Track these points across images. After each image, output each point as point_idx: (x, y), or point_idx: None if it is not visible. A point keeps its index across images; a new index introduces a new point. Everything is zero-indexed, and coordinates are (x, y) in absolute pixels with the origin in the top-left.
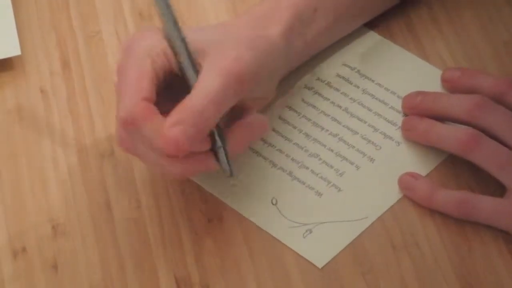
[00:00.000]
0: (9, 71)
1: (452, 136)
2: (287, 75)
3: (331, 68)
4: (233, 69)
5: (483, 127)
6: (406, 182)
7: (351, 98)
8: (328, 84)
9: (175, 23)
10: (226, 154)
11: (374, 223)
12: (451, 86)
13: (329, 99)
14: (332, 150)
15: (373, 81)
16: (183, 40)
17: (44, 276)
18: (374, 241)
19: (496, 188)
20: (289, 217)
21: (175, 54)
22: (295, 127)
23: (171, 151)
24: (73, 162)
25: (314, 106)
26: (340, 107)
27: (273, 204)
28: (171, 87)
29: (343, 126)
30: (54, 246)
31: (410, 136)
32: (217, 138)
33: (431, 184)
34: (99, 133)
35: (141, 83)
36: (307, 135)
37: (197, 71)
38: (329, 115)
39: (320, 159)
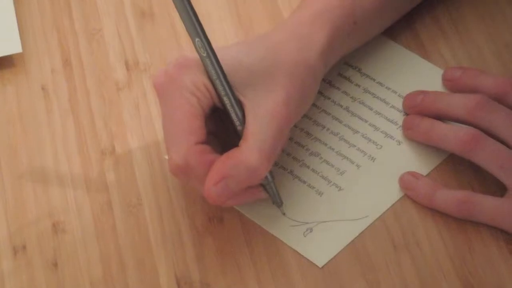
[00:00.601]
0: (10, 68)
1: (453, 135)
2: None
3: (332, 67)
4: (284, 113)
5: (484, 126)
6: (407, 182)
7: (352, 97)
8: (329, 83)
9: (217, 64)
10: (274, 186)
11: (374, 222)
12: (453, 86)
13: (330, 98)
14: (333, 149)
15: (374, 80)
16: (225, 80)
17: (44, 273)
18: (374, 241)
19: (497, 187)
20: (289, 216)
21: (218, 92)
22: (296, 126)
23: (209, 201)
24: (74, 160)
25: (315, 105)
26: (341, 106)
27: (273, 203)
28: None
29: (344, 125)
30: (55, 243)
31: (411, 136)
32: (268, 175)
33: (432, 183)
34: (100, 131)
35: (192, 125)
36: (308, 133)
37: (239, 108)
38: (330, 114)
39: (321, 158)
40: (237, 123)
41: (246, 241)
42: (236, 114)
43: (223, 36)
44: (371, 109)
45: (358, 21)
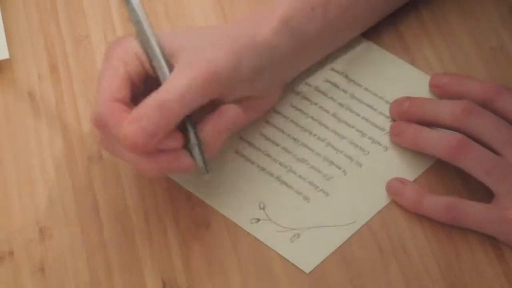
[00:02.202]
0: None
1: (439, 141)
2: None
3: (319, 73)
4: (204, 69)
5: (470, 132)
6: (394, 187)
7: (339, 103)
8: (316, 89)
9: (146, 26)
10: (200, 150)
11: (362, 228)
12: (439, 92)
13: (317, 104)
14: (320, 155)
15: (361, 86)
16: (155, 43)
17: (31, 279)
18: (362, 246)
19: (483, 193)
20: (276, 221)
21: (148, 57)
22: (283, 132)
23: (127, 147)
24: (60, 165)
25: (302, 111)
26: (328, 112)
27: (260, 208)
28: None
29: (331, 130)
30: (42, 249)
31: (398, 141)
32: (190, 131)
33: (419, 189)
34: (87, 136)
35: (111, 85)
36: (295, 139)
37: (168, 71)
38: (317, 120)
39: (308, 163)
40: (163, 80)
41: (233, 247)
42: (165, 76)
43: None
44: (358, 115)
45: (315, 6)
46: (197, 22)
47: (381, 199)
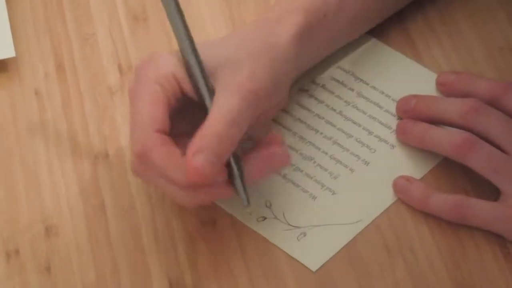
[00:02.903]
0: (4, 73)
1: (446, 139)
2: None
3: (325, 71)
4: (248, 87)
5: (477, 130)
6: (401, 186)
7: (345, 101)
8: (323, 87)
9: (191, 44)
10: (243, 183)
11: (368, 226)
12: (446, 90)
13: (323, 102)
14: (326, 153)
15: (367, 84)
16: (198, 61)
17: (37, 278)
18: (368, 245)
19: (491, 191)
20: (283, 220)
21: (190, 76)
22: (289, 130)
23: (195, 180)
24: (67, 164)
25: (308, 109)
26: (334, 110)
27: (267, 206)
28: (185, 108)
29: (338, 129)
30: (48, 247)
31: (405, 140)
32: (233, 166)
33: (425, 187)
34: (93, 135)
35: (154, 113)
36: (301, 138)
37: (211, 92)
38: (324, 118)
39: (314, 162)
40: (207, 102)
41: (239, 245)
42: (207, 94)
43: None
44: (364, 113)
45: (328, 13)
46: (205, 22)
47: (388, 197)
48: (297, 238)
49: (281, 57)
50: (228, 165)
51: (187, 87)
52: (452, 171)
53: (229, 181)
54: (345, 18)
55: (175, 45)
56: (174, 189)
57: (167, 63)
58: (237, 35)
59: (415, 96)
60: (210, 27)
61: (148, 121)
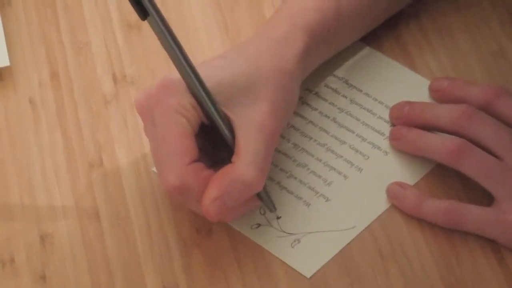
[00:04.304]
0: None
1: (439, 145)
2: None
3: (319, 78)
4: (270, 124)
5: (470, 136)
6: (394, 192)
7: (339, 108)
8: (316, 94)
9: (198, 80)
10: (267, 195)
11: (362, 232)
12: (439, 96)
13: (317, 109)
14: (320, 160)
15: (361, 91)
16: (210, 99)
17: (32, 286)
18: (362, 251)
19: (484, 197)
20: (277, 227)
21: (203, 109)
22: (283, 137)
23: (211, 220)
24: (61, 173)
25: (302, 116)
26: (328, 117)
27: (261, 214)
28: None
29: (331, 136)
30: (43, 256)
31: (398, 146)
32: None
33: (419, 193)
34: (88, 143)
35: (185, 145)
36: (295, 145)
37: (225, 120)
38: (317, 125)
39: (308, 169)
40: (228, 139)
41: (234, 252)
42: (225, 131)
43: (210, 46)
44: (358, 120)
45: (331, 28)
46: (199, 30)
47: (381, 204)
48: (291, 245)
49: (292, 79)
50: None
51: (205, 118)
52: (445, 177)
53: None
54: (343, 28)
55: None
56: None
57: (186, 92)
58: (243, 57)
59: (408, 102)
60: (203, 35)
61: (182, 154)
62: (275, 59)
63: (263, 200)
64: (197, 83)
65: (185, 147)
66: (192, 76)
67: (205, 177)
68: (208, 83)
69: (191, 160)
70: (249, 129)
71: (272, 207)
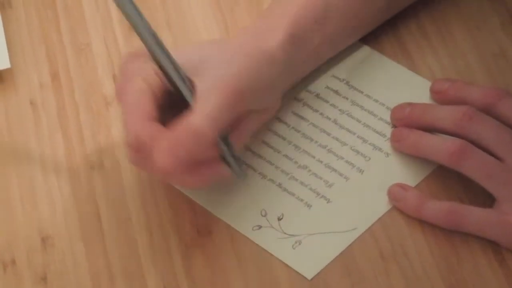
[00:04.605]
0: None
1: (441, 147)
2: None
3: (320, 80)
4: (232, 85)
5: (471, 138)
6: (395, 193)
7: (340, 110)
8: (317, 96)
9: (159, 45)
10: (234, 158)
11: (363, 234)
12: (440, 97)
13: (318, 111)
14: (321, 162)
15: (362, 92)
16: (170, 61)
17: None
18: (363, 252)
19: (485, 198)
20: (278, 228)
21: (165, 74)
22: (284, 139)
23: (162, 176)
24: (62, 174)
25: (303, 118)
26: (329, 118)
27: (262, 215)
28: (172, 102)
29: (332, 137)
30: (44, 258)
31: (399, 147)
32: (224, 148)
33: (420, 195)
34: (89, 145)
35: (143, 106)
36: (296, 146)
37: (191, 90)
38: (318, 127)
39: (309, 170)
40: (189, 99)
41: (235, 254)
42: (185, 91)
43: None
44: (359, 121)
45: (318, 20)
46: (199, 30)
47: (383, 205)
48: (293, 246)
49: (269, 60)
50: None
51: (168, 84)
52: (446, 178)
53: (222, 160)
54: (334, 20)
55: None
56: (176, 175)
57: (146, 60)
58: (228, 39)
59: (409, 104)
60: (203, 34)
61: (138, 113)
62: (255, 40)
63: (230, 166)
64: (156, 47)
65: (142, 105)
66: (150, 40)
67: (160, 130)
68: (179, 53)
69: (149, 118)
70: (209, 87)
71: (240, 174)
